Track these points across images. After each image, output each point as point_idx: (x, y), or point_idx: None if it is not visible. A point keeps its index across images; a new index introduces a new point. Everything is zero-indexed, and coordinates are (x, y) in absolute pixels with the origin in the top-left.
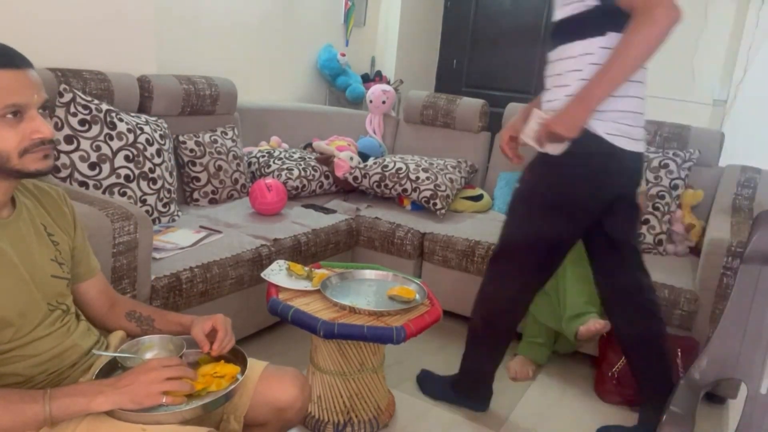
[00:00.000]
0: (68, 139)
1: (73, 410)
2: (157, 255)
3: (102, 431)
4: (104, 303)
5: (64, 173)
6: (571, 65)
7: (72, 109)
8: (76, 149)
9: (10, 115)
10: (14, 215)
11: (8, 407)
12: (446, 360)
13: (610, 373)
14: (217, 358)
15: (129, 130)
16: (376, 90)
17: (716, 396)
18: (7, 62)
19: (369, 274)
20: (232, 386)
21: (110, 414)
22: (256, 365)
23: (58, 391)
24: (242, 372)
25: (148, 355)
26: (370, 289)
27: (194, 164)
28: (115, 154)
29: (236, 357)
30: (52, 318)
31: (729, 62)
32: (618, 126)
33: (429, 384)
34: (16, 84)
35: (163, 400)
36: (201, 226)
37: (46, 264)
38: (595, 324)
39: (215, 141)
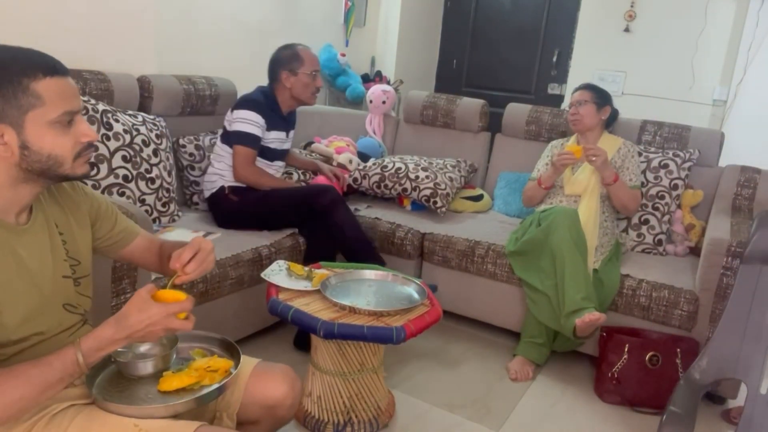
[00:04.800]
0: None
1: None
2: None
3: (94, 428)
4: (153, 256)
5: None
6: None
7: None
8: None
9: (65, 120)
10: (32, 220)
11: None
12: (447, 360)
13: (609, 373)
14: (210, 353)
15: (125, 131)
16: (376, 90)
17: (716, 396)
18: (54, 70)
19: (369, 274)
20: (225, 380)
21: (103, 408)
22: (247, 362)
23: (84, 344)
24: (235, 366)
25: (142, 349)
26: (370, 289)
27: (193, 168)
28: (112, 154)
29: (229, 352)
30: (70, 322)
31: (729, 62)
32: None
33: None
34: (67, 91)
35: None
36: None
37: (59, 266)
38: (590, 316)
39: (215, 144)
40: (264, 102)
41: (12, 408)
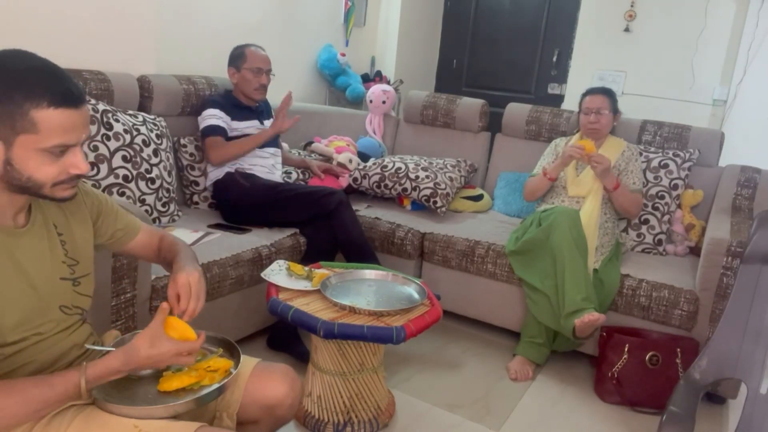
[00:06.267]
0: None
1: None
2: None
3: (94, 428)
4: (152, 251)
5: None
6: None
7: None
8: None
9: (57, 151)
10: (30, 222)
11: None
12: (447, 360)
13: (609, 373)
14: (210, 353)
15: (125, 131)
16: (376, 90)
17: (716, 396)
18: (64, 101)
19: (369, 274)
20: (225, 380)
21: (103, 408)
22: (247, 362)
23: (90, 370)
24: (235, 366)
25: None
26: (370, 289)
27: (193, 168)
28: (112, 154)
29: (229, 352)
30: (67, 322)
31: (729, 62)
32: None
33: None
34: (72, 124)
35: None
36: (209, 226)
37: (57, 267)
38: (590, 316)
39: None
40: (222, 100)
41: (3, 424)
